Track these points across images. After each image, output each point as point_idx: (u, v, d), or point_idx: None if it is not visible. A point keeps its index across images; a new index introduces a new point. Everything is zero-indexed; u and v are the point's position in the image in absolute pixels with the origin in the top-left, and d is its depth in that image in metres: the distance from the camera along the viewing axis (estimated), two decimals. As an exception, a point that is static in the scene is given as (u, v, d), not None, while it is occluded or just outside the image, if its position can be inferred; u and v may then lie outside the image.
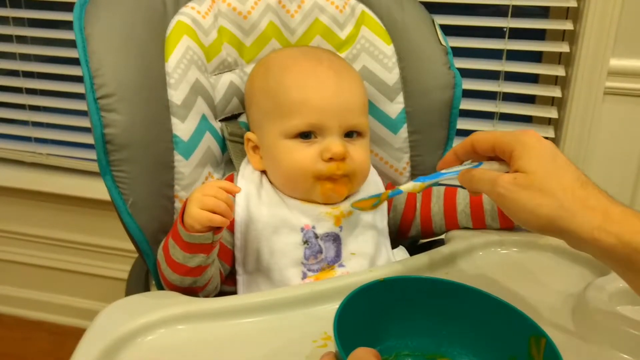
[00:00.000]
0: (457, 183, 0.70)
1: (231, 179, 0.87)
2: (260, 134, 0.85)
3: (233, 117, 0.94)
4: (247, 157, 0.88)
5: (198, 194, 0.71)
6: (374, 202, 0.74)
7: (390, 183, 0.96)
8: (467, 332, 0.61)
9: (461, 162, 0.70)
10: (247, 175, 0.86)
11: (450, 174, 0.69)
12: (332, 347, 0.54)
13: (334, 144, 0.80)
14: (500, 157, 0.65)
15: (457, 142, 0.97)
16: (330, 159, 0.80)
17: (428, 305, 0.62)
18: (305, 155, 0.80)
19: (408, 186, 0.72)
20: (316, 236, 0.81)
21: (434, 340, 0.62)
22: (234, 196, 0.78)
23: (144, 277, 0.90)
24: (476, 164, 0.68)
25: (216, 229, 0.72)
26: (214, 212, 0.70)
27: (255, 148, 0.86)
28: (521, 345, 0.57)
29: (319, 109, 0.80)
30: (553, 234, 0.60)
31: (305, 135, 0.81)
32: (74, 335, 0.64)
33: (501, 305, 0.60)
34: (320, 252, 0.81)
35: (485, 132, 0.67)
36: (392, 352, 0.61)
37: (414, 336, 0.62)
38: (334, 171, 0.80)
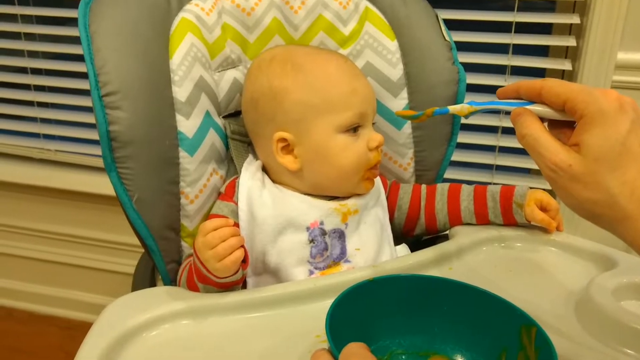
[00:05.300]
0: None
1: (232, 185, 0.86)
2: (299, 131, 0.83)
3: (236, 114, 0.94)
4: (259, 159, 0.88)
5: (206, 251, 0.71)
6: (415, 114, 0.67)
7: (395, 181, 0.96)
8: (458, 327, 0.61)
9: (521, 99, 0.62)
10: (249, 178, 0.85)
11: (505, 105, 0.62)
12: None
13: (375, 132, 0.84)
14: (569, 114, 0.57)
15: (460, 138, 0.98)
16: (375, 147, 0.83)
17: (419, 303, 0.62)
18: (357, 148, 0.82)
19: (457, 107, 0.64)
20: (323, 233, 0.81)
21: (426, 337, 0.62)
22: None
23: (150, 273, 0.90)
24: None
25: (243, 263, 0.73)
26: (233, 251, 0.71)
27: (286, 148, 0.84)
28: (512, 336, 0.58)
29: (364, 99, 0.84)
30: (604, 228, 0.55)
31: (354, 128, 0.83)
32: (84, 330, 0.64)
33: (490, 298, 0.60)
34: (326, 249, 0.81)
35: (560, 83, 0.57)
36: (386, 352, 0.61)
37: (406, 334, 0.62)
38: (378, 158, 0.84)
